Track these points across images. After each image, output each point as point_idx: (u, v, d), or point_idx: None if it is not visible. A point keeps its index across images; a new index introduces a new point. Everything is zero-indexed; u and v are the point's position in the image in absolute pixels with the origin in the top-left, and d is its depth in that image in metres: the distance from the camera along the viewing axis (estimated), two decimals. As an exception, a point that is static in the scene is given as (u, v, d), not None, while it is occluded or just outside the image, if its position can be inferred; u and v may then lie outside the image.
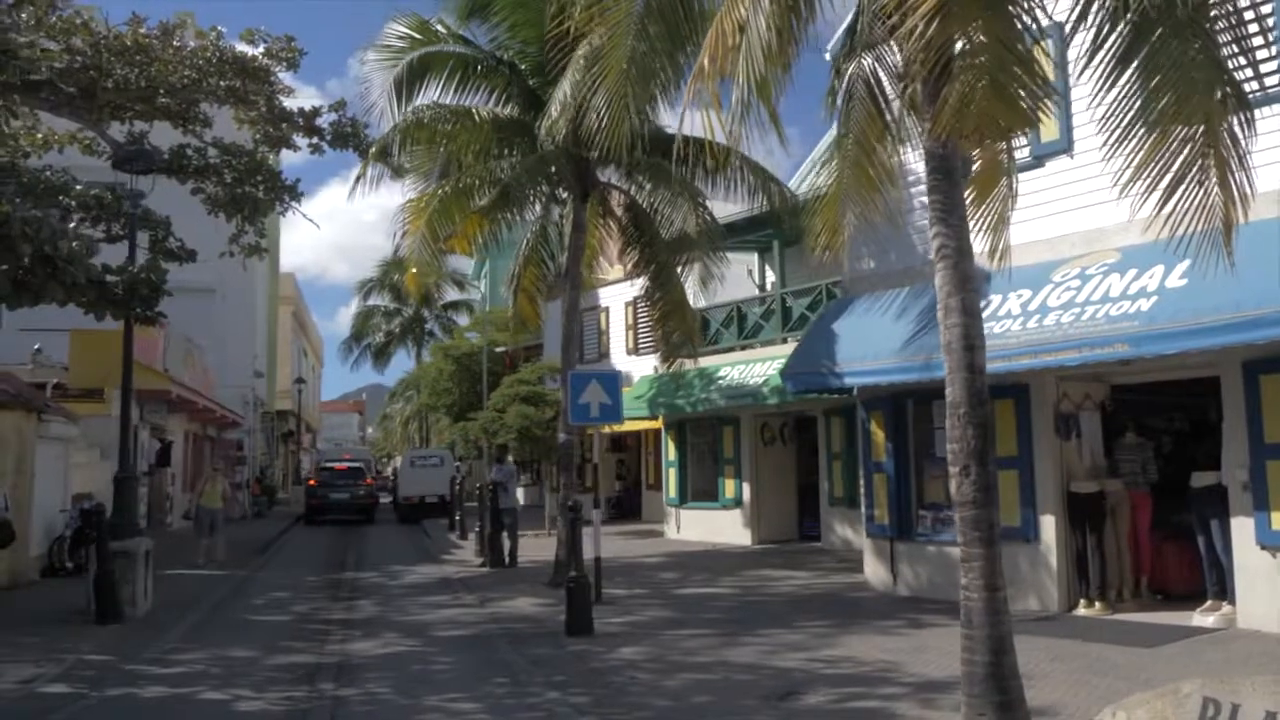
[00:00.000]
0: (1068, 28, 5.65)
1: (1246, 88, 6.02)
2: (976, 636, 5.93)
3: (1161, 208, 5.43)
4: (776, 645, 9.86)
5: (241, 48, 16.22)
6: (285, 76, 16.00)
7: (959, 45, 5.64)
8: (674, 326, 15.82)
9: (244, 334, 33.52)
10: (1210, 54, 5.35)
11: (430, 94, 14.83)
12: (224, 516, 19.44)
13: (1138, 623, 10.38)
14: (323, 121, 17.18)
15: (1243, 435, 9.81)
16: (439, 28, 14.83)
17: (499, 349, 36.05)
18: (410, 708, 7.93)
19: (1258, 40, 9.41)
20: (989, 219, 7.42)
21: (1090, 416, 11.89)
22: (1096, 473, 11.62)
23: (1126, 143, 5.47)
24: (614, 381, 13.16)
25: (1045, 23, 6.62)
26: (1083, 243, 10.97)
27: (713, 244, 15.39)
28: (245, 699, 8.28)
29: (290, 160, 62.66)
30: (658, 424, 23.37)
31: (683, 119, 6.25)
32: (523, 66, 14.68)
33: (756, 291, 23.09)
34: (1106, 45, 5.49)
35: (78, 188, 15.68)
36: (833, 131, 7.63)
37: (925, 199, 8.01)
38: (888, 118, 7.26)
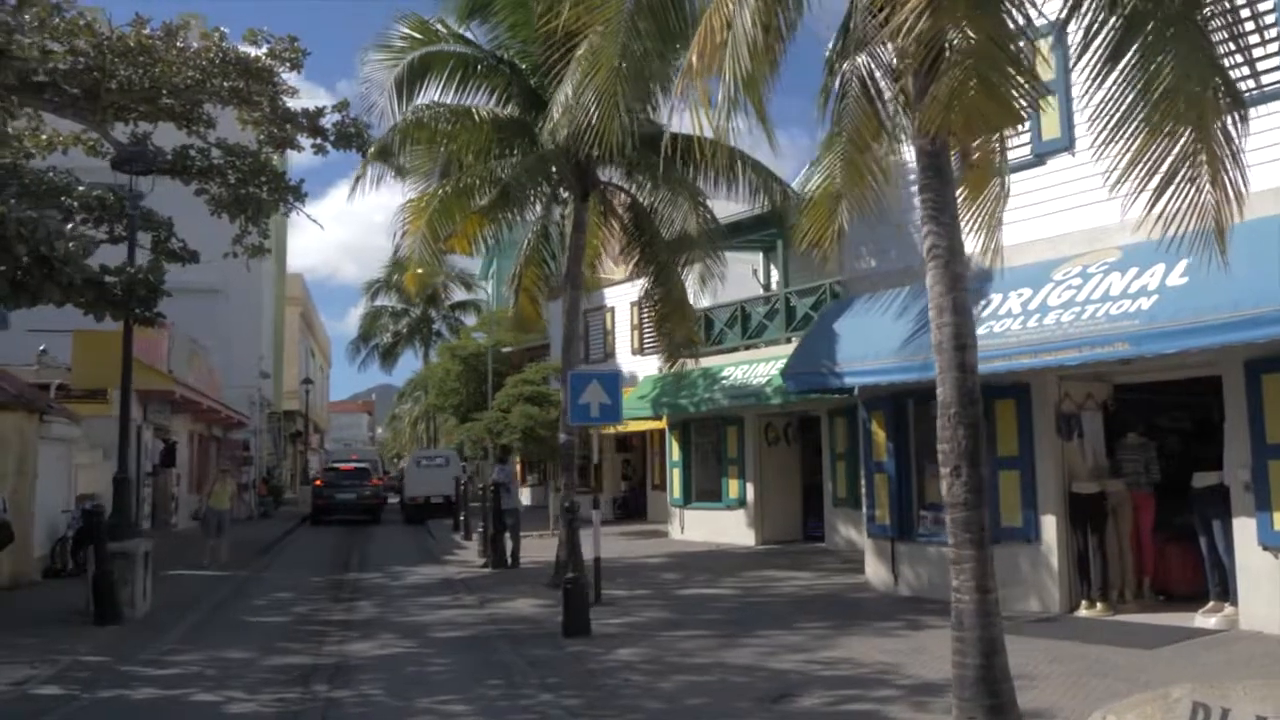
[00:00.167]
0: (1057, 21, 5.57)
1: (1244, 85, 5.95)
2: (967, 639, 5.86)
3: (1153, 206, 5.36)
4: (775, 647, 9.80)
5: (244, 49, 16.25)
6: (290, 77, 15.90)
7: (953, 40, 5.57)
8: (674, 326, 15.77)
9: (250, 334, 33.58)
10: (1202, 50, 5.28)
11: (431, 94, 14.82)
12: (230, 517, 19.45)
13: (1139, 624, 10.29)
14: (326, 122, 17.23)
15: (1244, 435, 9.71)
16: (439, 28, 14.79)
17: (506, 349, 36.04)
18: (402, 709, 7.89)
19: (1255, 38, 9.43)
20: (982, 217, 7.34)
21: (1092, 416, 11.80)
22: (1098, 473, 11.52)
23: (1117, 140, 5.39)
24: (614, 381, 13.11)
25: (1043, 21, 6.58)
26: (1084, 241, 10.88)
27: (713, 244, 15.33)
28: (237, 700, 8.25)
29: (301, 161, 62.94)
30: (663, 424, 23.33)
31: (671, 116, 6.20)
32: (523, 66, 14.64)
33: (761, 291, 23.02)
34: (1097, 40, 5.41)
35: (80, 188, 15.69)
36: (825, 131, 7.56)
37: (967, 205, 7.97)
38: (882, 116, 7.20)
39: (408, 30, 14.50)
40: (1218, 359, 9.87)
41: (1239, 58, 5.73)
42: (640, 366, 25.44)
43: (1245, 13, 5.94)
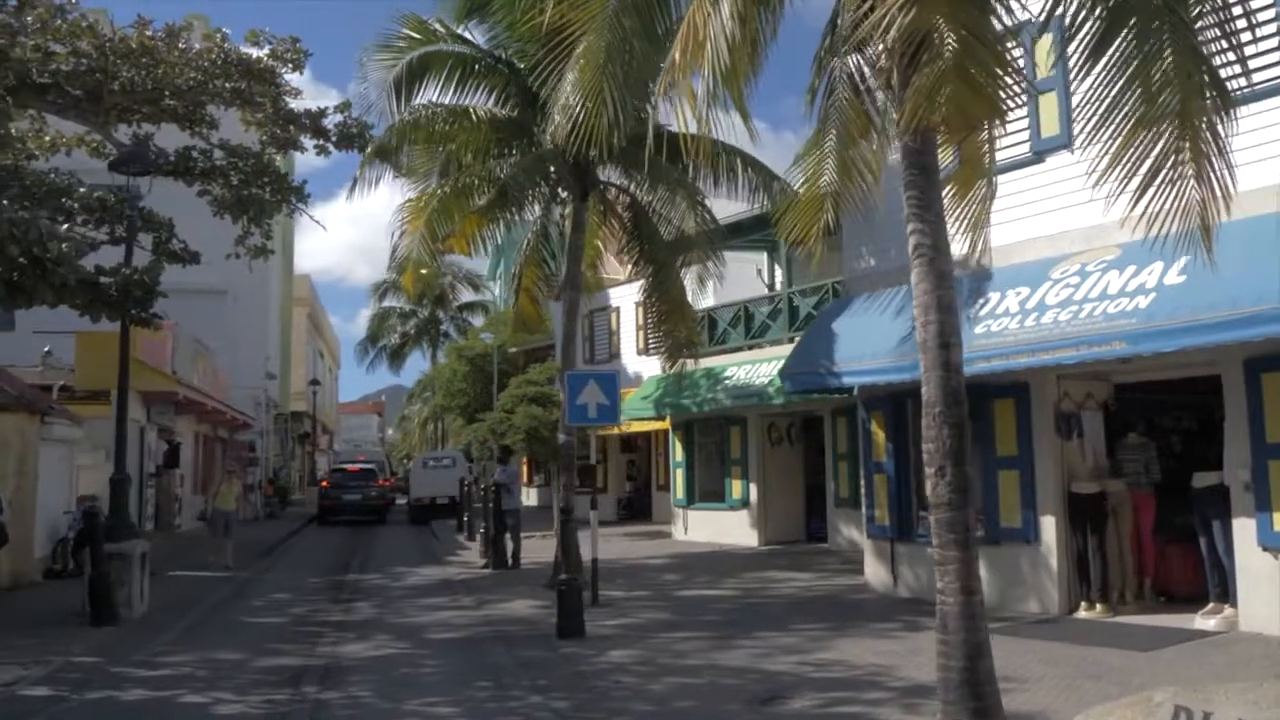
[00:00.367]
0: (1042, 15, 5.49)
1: (1241, 82, 5.87)
2: (952, 641, 5.78)
3: (1137, 202, 5.28)
4: (769, 648, 9.73)
5: (247, 50, 16.26)
6: (295, 79, 15.90)
7: (935, 34, 5.50)
8: (674, 326, 15.70)
9: (256, 336, 33.64)
10: (1188, 44, 5.19)
11: (430, 94, 14.78)
12: (236, 518, 19.43)
13: (1138, 625, 10.19)
14: (328, 123, 17.24)
15: (1244, 434, 9.60)
16: (438, 27, 14.76)
17: (512, 350, 36.01)
18: (390, 712, 7.86)
19: (1259, 32, 9.32)
20: (971, 215, 7.26)
21: (1092, 416, 11.68)
22: (1098, 473, 11.41)
23: (1101, 134, 5.31)
24: (612, 382, 13.05)
25: (1027, 16, 6.50)
26: (1083, 239, 10.77)
27: (711, 243, 15.26)
28: (226, 702, 8.23)
29: (313, 163, 62.86)
30: (668, 424, 23.26)
31: (656, 113, 6.13)
32: (521, 65, 14.58)
33: (765, 291, 22.93)
34: (1082, 33, 5.33)
35: (81, 190, 15.71)
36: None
37: (955, 201, 7.89)
38: (871, 112, 7.12)
39: (406, 30, 14.47)
40: (1217, 358, 9.76)
41: (1231, 55, 5.63)
42: (645, 367, 25.38)
43: (1238, 10, 5.85)
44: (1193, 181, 5.13)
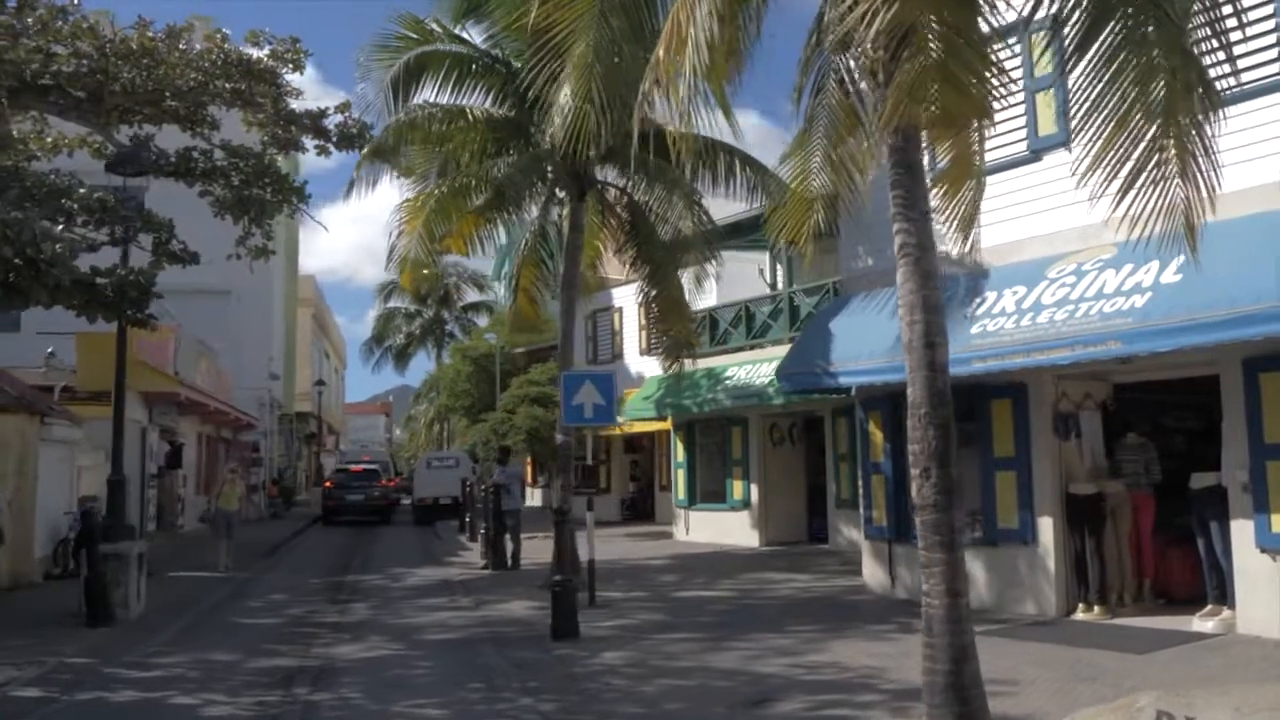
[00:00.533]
0: (1027, 9, 5.43)
1: (1228, 81, 5.79)
2: (937, 645, 5.73)
3: (1121, 200, 5.22)
4: (762, 650, 9.68)
5: (247, 50, 16.26)
6: (298, 79, 15.88)
7: (918, 30, 5.44)
8: (671, 326, 15.66)
9: (260, 336, 33.69)
10: (1173, 39, 5.13)
11: (427, 94, 14.78)
12: (239, 519, 19.39)
13: (1136, 627, 10.11)
14: (329, 123, 17.24)
15: (1242, 435, 9.52)
16: (435, 27, 14.74)
17: (517, 350, 36.01)
18: (378, 713, 7.84)
19: (1261, 28, 9.25)
20: (960, 214, 7.20)
21: (1091, 416, 11.60)
22: (1097, 474, 11.32)
23: (1087, 130, 5.25)
24: (608, 382, 13.00)
25: (1025, 13, 6.43)
26: (1080, 238, 10.69)
27: (708, 243, 15.22)
28: (215, 704, 8.21)
29: (321, 164, 62.63)
30: (669, 425, 23.20)
31: (638, 110, 6.08)
32: (518, 65, 14.55)
33: (768, 290, 22.87)
34: (1067, 27, 5.27)
35: (81, 190, 15.72)
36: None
37: (945, 200, 7.83)
38: (859, 110, 7.07)
39: (404, 30, 14.47)
40: (1215, 358, 9.68)
41: (1223, 54, 5.57)
42: (648, 367, 25.32)
43: (1228, 9, 5.79)
44: (1177, 180, 5.07)
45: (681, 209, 14.67)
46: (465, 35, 15.09)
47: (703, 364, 20.90)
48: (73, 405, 18.88)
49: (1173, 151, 4.99)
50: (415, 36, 14.43)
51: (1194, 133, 5.14)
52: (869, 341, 12.06)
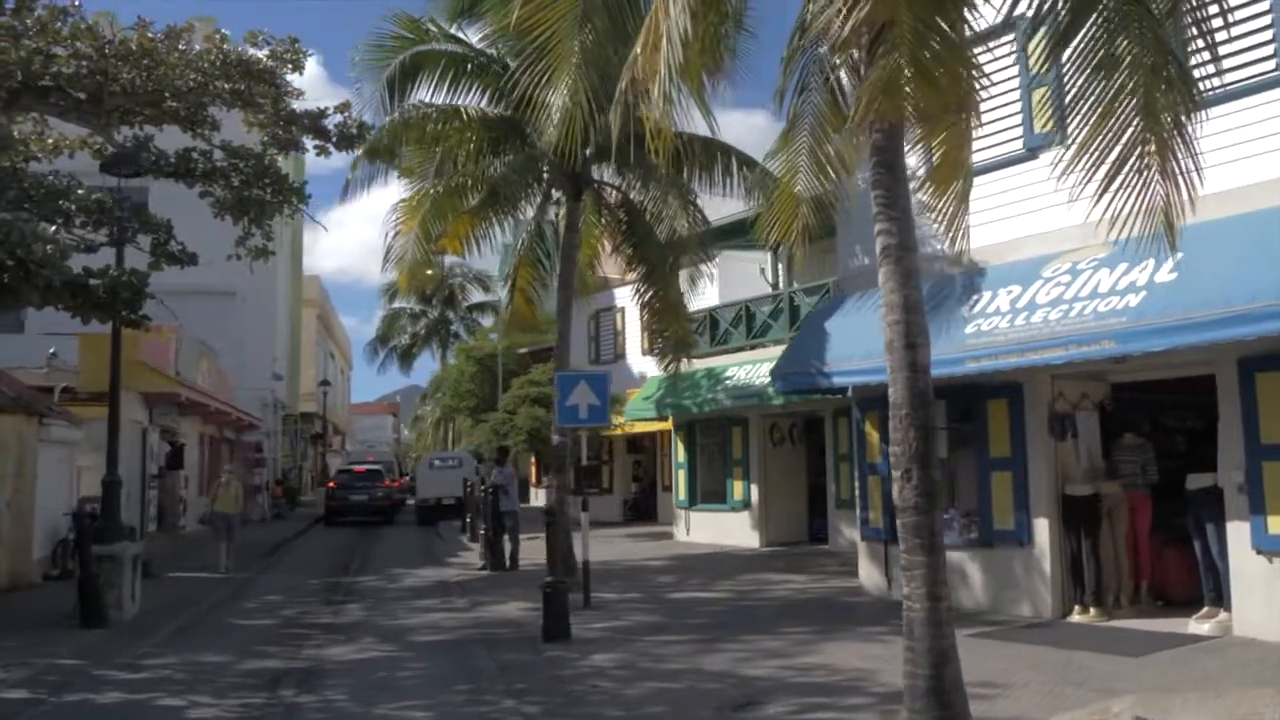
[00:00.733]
0: (1005, 6, 5.35)
1: (1232, 76, 5.72)
2: (918, 649, 5.67)
3: (1101, 196, 5.14)
4: (753, 652, 9.62)
5: (246, 50, 16.26)
6: (296, 79, 15.87)
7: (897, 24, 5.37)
8: (668, 325, 15.60)
9: (263, 337, 33.72)
10: (1155, 36, 5.05)
11: (423, 93, 14.75)
12: (239, 520, 19.26)
13: (1132, 630, 10.01)
14: (328, 123, 17.23)
15: (1238, 435, 9.42)
16: (431, 27, 14.70)
17: (521, 350, 35.98)
18: (361, 715, 7.81)
19: (1254, 24, 9.15)
20: (947, 213, 7.13)
21: (1088, 416, 11.51)
22: (1094, 474, 11.23)
23: (1069, 125, 5.18)
24: (602, 382, 12.97)
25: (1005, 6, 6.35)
26: (1075, 236, 10.60)
27: (702, 243, 15.16)
28: (201, 705, 8.19)
29: (329, 165, 62.43)
30: (670, 425, 23.14)
31: (616, 110, 6.02)
32: (513, 65, 14.51)
33: (769, 290, 22.79)
34: (1048, 22, 5.20)
35: (79, 191, 15.73)
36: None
37: (919, 195, 7.78)
38: (843, 107, 7.01)
39: (399, 30, 14.43)
40: (1212, 357, 9.59)
41: (1224, 49, 5.49)
42: (650, 367, 25.24)
43: (1214, 8, 5.72)
44: (1158, 177, 4.99)
45: (676, 208, 14.62)
46: (461, 35, 15.05)
47: (703, 364, 20.84)
48: (74, 406, 18.89)
49: (1153, 148, 4.91)
50: (411, 36, 14.41)
51: (1175, 130, 5.06)
52: (864, 341, 11.97)
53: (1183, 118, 5.06)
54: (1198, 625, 9.67)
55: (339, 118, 17.06)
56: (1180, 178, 5.06)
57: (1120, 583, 11.09)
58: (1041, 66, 10.42)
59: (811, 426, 20.66)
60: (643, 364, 26.18)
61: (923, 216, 8.48)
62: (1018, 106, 11.18)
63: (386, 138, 14.65)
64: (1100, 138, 5.00)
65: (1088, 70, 5.01)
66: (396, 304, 49.47)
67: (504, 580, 16.02)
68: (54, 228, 12.44)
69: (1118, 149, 4.99)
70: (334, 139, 17.31)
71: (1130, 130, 4.92)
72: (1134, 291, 9.32)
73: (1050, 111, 10.79)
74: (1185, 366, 10.25)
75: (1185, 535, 10.59)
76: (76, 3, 15.37)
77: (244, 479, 31.37)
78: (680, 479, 22.45)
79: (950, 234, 7.01)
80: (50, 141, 17.62)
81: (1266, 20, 9.16)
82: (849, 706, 7.49)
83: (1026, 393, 11.14)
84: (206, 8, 20.49)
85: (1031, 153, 11.26)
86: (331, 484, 34.03)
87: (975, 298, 11.05)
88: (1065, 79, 5.25)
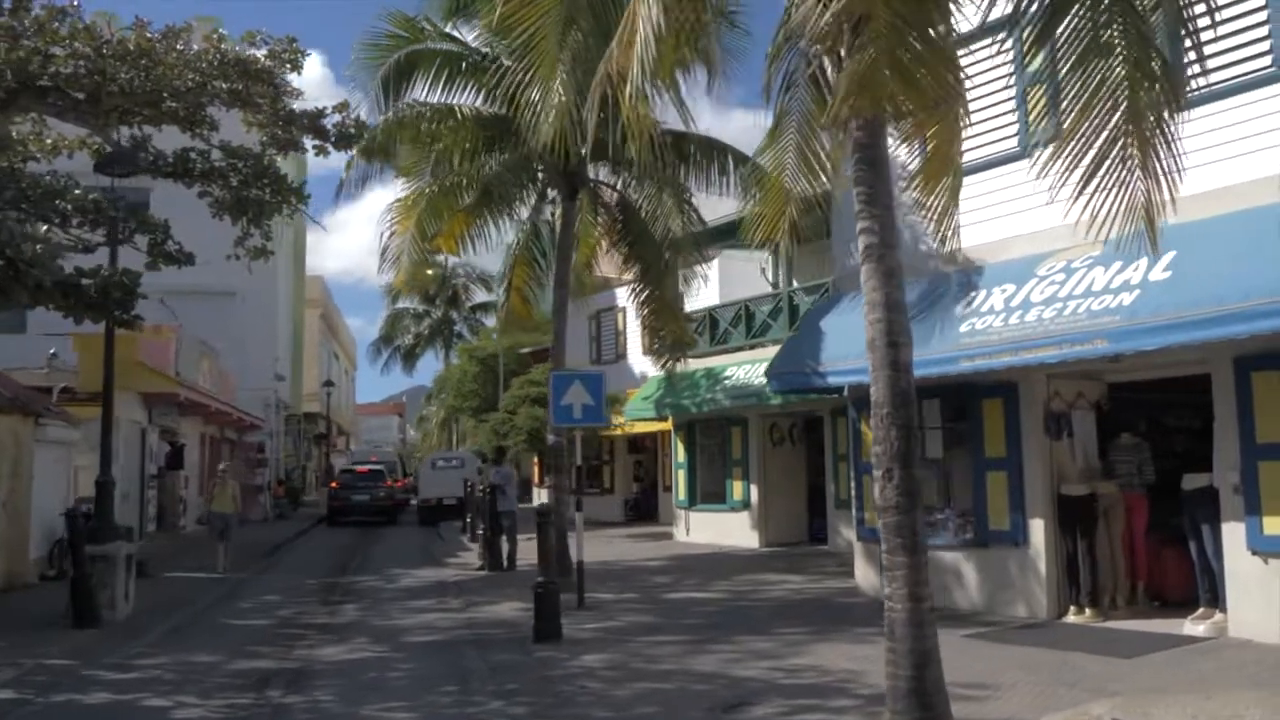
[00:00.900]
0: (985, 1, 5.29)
1: (1204, 73, 5.66)
2: (899, 650, 5.61)
3: (1081, 191, 5.08)
4: (744, 653, 9.56)
5: (244, 49, 16.24)
6: (295, 79, 15.84)
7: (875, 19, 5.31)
8: (664, 324, 15.55)
9: (265, 337, 33.73)
10: (1138, 32, 4.99)
11: (418, 92, 14.70)
12: (237, 521, 19.18)
13: (1127, 631, 9.94)
14: (327, 123, 17.20)
15: (1234, 435, 9.35)
16: (426, 25, 14.66)
17: (523, 350, 35.93)
18: (347, 716, 7.78)
19: (1250, 20, 9.07)
20: (937, 210, 7.07)
21: (1083, 416, 11.43)
22: (1089, 474, 11.15)
23: (1052, 121, 5.12)
24: (597, 382, 12.91)
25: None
26: (1069, 235, 10.49)
27: (696, 242, 15.10)
28: (187, 706, 8.16)
29: (335, 165, 62.13)
30: (670, 425, 23.08)
31: (595, 106, 5.96)
32: (508, 63, 14.46)
33: (770, 289, 22.71)
34: (1030, 11, 5.14)
35: (76, 191, 15.72)
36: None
37: (912, 192, 7.72)
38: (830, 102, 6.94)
39: (394, 28, 14.39)
40: (1207, 356, 9.52)
41: (1217, 46, 5.43)
42: (652, 367, 25.21)
43: (1200, 7, 5.65)
44: (1139, 173, 4.92)
45: (671, 207, 14.56)
46: (456, 33, 15.00)
47: (703, 364, 20.79)
48: (73, 406, 18.91)
49: (1134, 144, 4.84)
50: (405, 35, 14.37)
51: (1157, 126, 4.99)
52: (858, 341, 11.63)
53: (1165, 114, 4.98)
54: (1193, 626, 9.59)
55: (337, 117, 17.08)
56: (1161, 174, 4.99)
57: (1116, 583, 11.01)
58: (1034, 62, 10.51)
59: (811, 426, 20.59)
60: (644, 364, 26.09)
61: (917, 214, 8.47)
62: (1013, 104, 11.10)
63: (381, 137, 14.60)
64: (1080, 132, 4.93)
65: (1068, 64, 4.94)
66: (400, 304, 49.48)
67: (500, 580, 15.98)
68: (45, 227, 12.42)
69: (1098, 144, 4.92)
70: (332, 139, 17.30)
71: (1111, 125, 4.85)
72: (1127, 290, 9.24)
73: (1042, 108, 10.76)
74: (1181, 366, 10.18)
75: (1182, 536, 10.52)
76: (75, 3, 15.39)
77: (245, 479, 31.42)
78: (680, 479, 22.39)
79: (941, 232, 6.92)
80: (49, 142, 17.62)
81: (1262, 16, 9.07)
82: (836, 708, 7.43)
83: (1022, 392, 11.07)
84: (207, 8, 20.45)
85: (1026, 151, 11.18)
86: (334, 484, 34.06)
87: (970, 296, 10.99)
88: (1044, 74, 5.17)
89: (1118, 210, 5.05)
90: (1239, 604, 9.25)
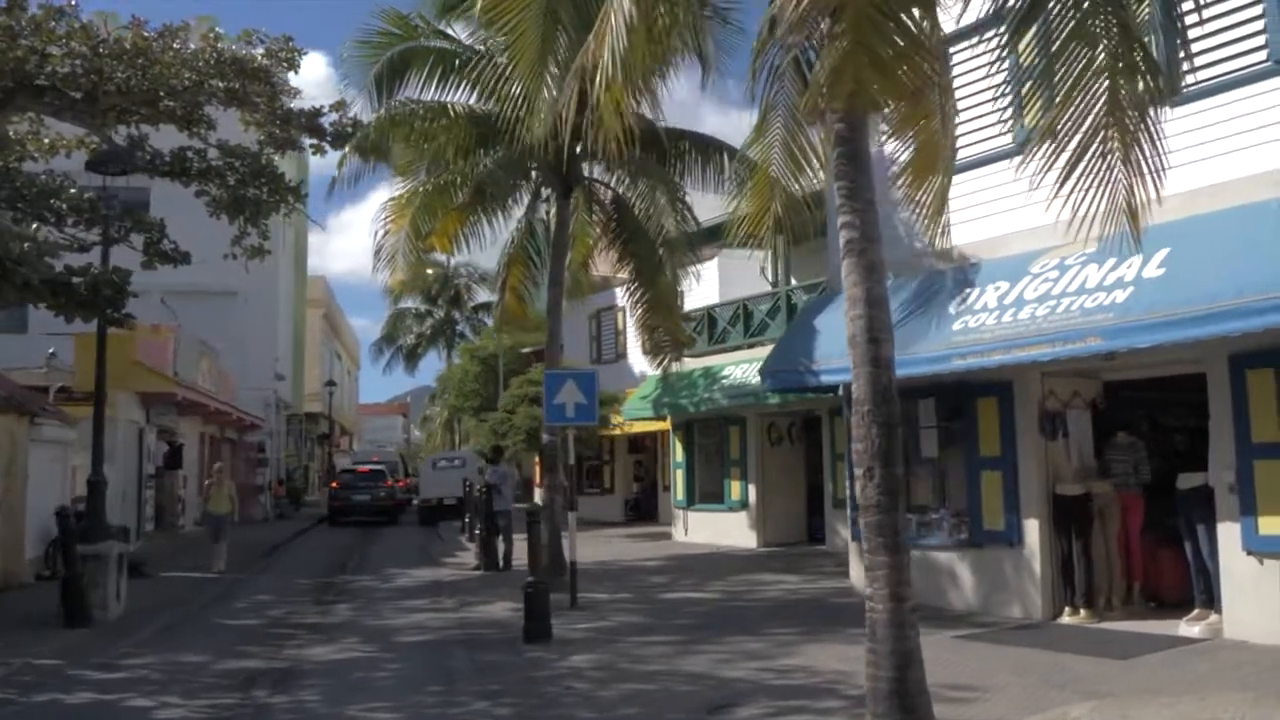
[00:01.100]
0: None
1: (1217, 69, 5.57)
2: (880, 651, 5.53)
3: (1061, 185, 4.99)
4: (734, 654, 9.49)
5: (242, 48, 16.20)
6: (295, 78, 15.81)
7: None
8: (658, 323, 15.47)
9: (266, 337, 33.69)
10: (1120, 23, 4.90)
11: (412, 90, 14.65)
12: (231, 521, 19.05)
13: (1122, 632, 9.84)
14: (324, 122, 17.16)
15: (1229, 434, 9.25)
16: (419, 23, 14.60)
17: (525, 350, 35.87)
18: (331, 716, 7.72)
19: (1244, 15, 8.98)
20: (926, 206, 6.99)
21: (1079, 415, 11.33)
22: (1085, 474, 11.05)
23: (1029, 110, 5.04)
24: (590, 381, 12.84)
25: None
26: (1064, 231, 10.41)
27: (690, 242, 15.02)
28: (170, 706, 8.10)
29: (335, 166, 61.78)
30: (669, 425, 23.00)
31: (573, 100, 5.88)
32: (502, 61, 14.40)
33: (769, 288, 22.61)
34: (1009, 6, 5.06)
35: (71, 191, 15.70)
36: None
37: (901, 187, 7.64)
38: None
39: (387, 26, 14.33)
40: (1202, 354, 9.42)
41: (1210, 41, 5.34)
42: (650, 366, 25.13)
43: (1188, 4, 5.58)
44: (1120, 166, 4.84)
45: (664, 204, 14.48)
46: (450, 31, 14.93)
47: (701, 363, 20.72)
48: (69, 406, 18.86)
49: (1115, 135, 4.76)
50: (399, 32, 14.32)
51: (1140, 119, 4.90)
52: None
53: (1149, 107, 4.90)
54: (1188, 627, 9.49)
55: (335, 116, 17.04)
56: (1145, 166, 4.90)
57: (1112, 584, 10.91)
58: (1028, 56, 10.42)
59: (810, 426, 20.49)
60: (644, 364, 26.01)
61: (909, 211, 8.38)
62: (1007, 100, 10.98)
63: (375, 135, 14.54)
64: (1061, 124, 4.85)
65: (1048, 55, 4.86)
66: (402, 304, 49.47)
67: (495, 580, 15.92)
68: (35, 226, 12.38)
69: (1078, 136, 4.84)
70: (329, 138, 17.27)
71: (1091, 117, 4.76)
72: (1121, 287, 9.15)
73: (1033, 103, 10.67)
74: (1176, 364, 10.09)
75: (1179, 535, 10.42)
76: (73, 2, 15.37)
77: (245, 478, 31.41)
78: (678, 479, 22.32)
79: (930, 227, 6.84)
80: (47, 141, 17.61)
81: (1257, 10, 8.97)
82: (822, 710, 7.35)
83: (1016, 391, 10.98)
84: (207, 7, 20.43)
85: (1020, 147, 11.08)
86: (334, 484, 34.06)
87: (964, 294, 10.90)
88: (1033, 68, 5.09)
89: (1099, 205, 4.96)
90: (1234, 605, 9.15)
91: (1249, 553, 8.99)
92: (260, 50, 16.25)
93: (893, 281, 11.92)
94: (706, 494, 21.45)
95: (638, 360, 26.58)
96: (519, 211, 16.17)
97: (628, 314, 27.41)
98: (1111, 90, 4.75)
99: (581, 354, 28.79)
